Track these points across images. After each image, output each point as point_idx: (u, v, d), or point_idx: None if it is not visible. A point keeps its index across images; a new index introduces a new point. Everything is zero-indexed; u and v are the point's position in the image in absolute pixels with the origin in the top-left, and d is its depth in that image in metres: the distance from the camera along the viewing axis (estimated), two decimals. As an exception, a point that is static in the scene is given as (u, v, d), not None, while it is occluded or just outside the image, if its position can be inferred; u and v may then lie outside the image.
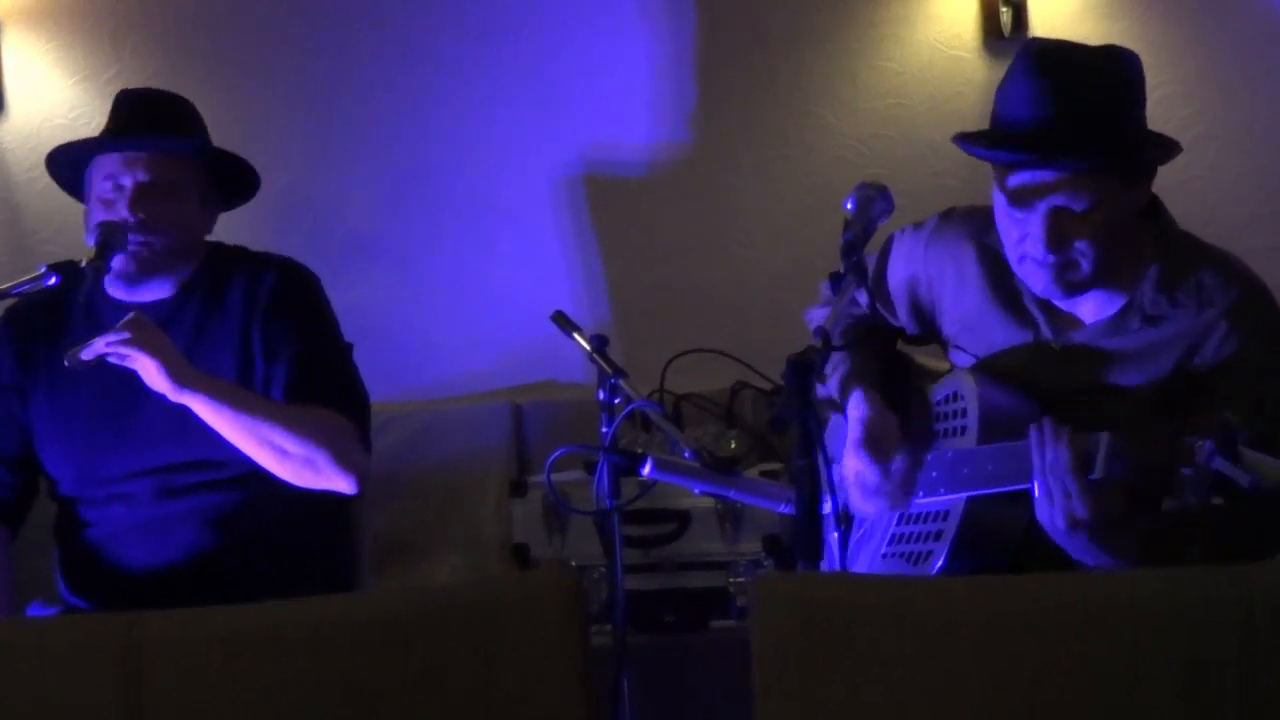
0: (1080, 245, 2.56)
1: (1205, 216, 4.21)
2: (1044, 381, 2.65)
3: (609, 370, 3.15)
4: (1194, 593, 1.99)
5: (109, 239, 2.99)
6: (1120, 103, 2.56)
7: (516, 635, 2.09)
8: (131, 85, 4.32)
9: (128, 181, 3.05)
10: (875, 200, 2.63)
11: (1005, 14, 4.29)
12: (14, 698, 2.05)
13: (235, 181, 3.23)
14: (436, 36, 4.45)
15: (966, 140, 2.66)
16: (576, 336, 3.26)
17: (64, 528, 3.15)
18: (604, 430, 3.15)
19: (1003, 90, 2.62)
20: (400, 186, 4.46)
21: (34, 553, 3.26)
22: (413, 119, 4.45)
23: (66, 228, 4.28)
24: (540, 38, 4.44)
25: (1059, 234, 2.56)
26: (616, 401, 3.15)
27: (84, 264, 2.96)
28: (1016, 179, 2.57)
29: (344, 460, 3.02)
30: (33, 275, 3.01)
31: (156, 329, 2.96)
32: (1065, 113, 2.53)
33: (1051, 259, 2.57)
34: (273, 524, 3.08)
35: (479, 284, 4.47)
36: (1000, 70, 2.75)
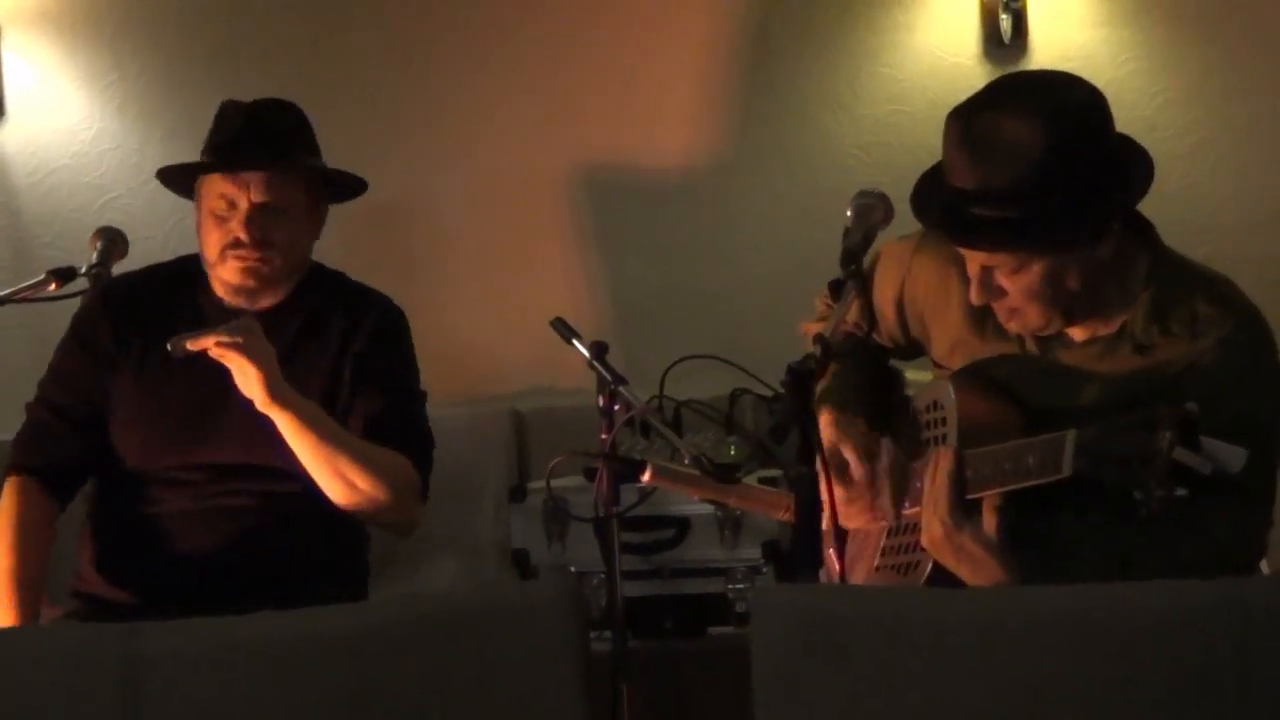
0: (1016, 300, 2.54)
1: (1204, 223, 4.22)
2: (1028, 394, 2.63)
3: (609, 377, 3.14)
4: (1190, 602, 1.99)
5: (109, 245, 3.00)
6: (1051, 173, 2.45)
7: (516, 642, 2.09)
8: (132, 88, 4.36)
9: (242, 201, 3.10)
10: (875, 207, 2.63)
11: (1005, 21, 4.29)
12: (13, 707, 2.05)
13: (344, 190, 3.33)
14: (436, 39, 4.45)
15: (914, 190, 2.65)
16: (576, 343, 3.25)
17: (106, 504, 3.17)
18: (603, 436, 3.15)
19: (943, 144, 2.57)
20: (398, 190, 4.46)
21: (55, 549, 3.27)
22: (413, 122, 4.45)
23: (67, 232, 4.28)
24: (541, 43, 4.44)
25: (989, 287, 2.55)
26: (616, 408, 3.15)
27: (83, 270, 2.97)
28: None
29: (402, 508, 3.09)
30: (34, 281, 3.02)
31: (264, 340, 3.00)
32: (983, 192, 2.47)
33: (993, 305, 2.57)
34: (306, 534, 3.12)
35: (479, 289, 4.47)
36: (1001, 77, 2.75)
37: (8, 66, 4.38)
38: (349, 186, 3.34)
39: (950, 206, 2.53)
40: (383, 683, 2.06)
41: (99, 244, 3.00)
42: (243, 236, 3.08)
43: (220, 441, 3.11)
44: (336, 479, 3.02)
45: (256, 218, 3.09)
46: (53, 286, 2.98)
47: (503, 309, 4.43)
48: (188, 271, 3.19)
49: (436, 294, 4.46)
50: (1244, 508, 2.50)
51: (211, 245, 3.13)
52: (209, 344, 2.92)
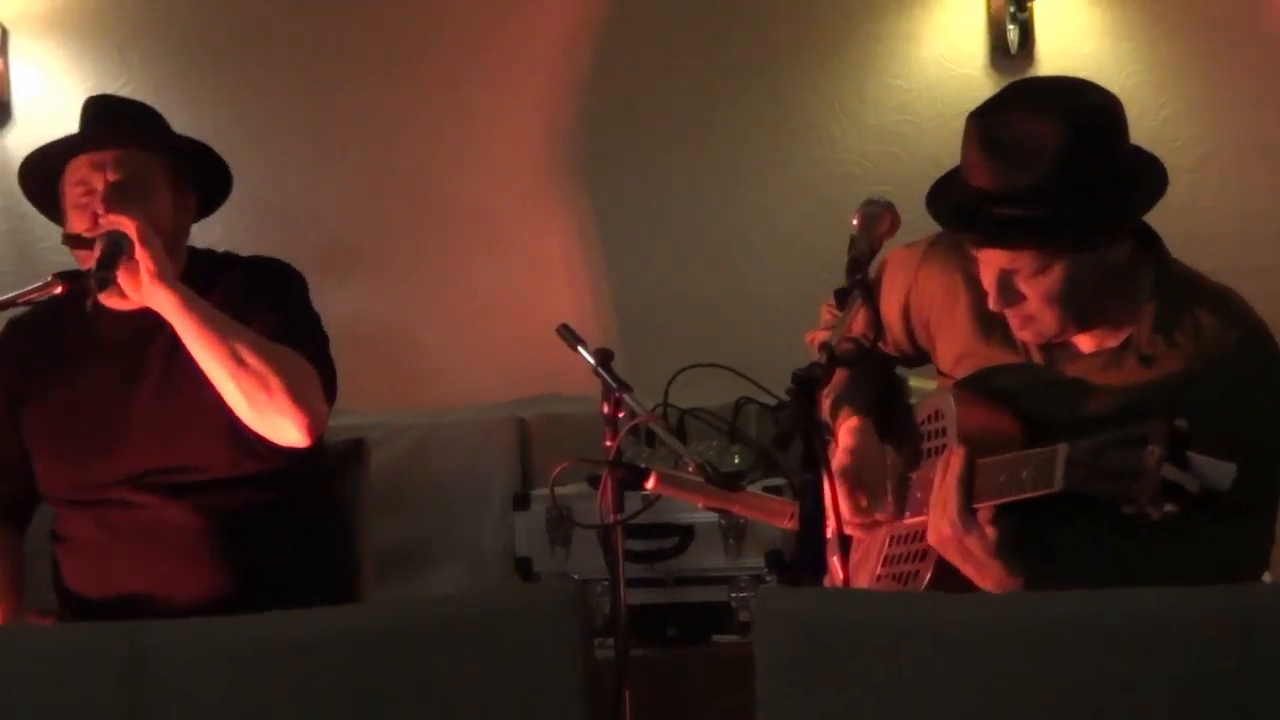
0: (1033, 305, 2.54)
1: (1210, 234, 4.22)
2: (1030, 405, 2.63)
3: (613, 384, 3.14)
4: (1194, 609, 1.98)
5: (113, 249, 2.98)
6: (1070, 173, 2.45)
7: (519, 648, 2.09)
8: (140, 95, 4.35)
9: (98, 182, 3.02)
10: (882, 216, 2.63)
11: (1012, 31, 4.30)
12: (15, 706, 2.05)
13: (208, 184, 3.21)
14: (437, 45, 4.46)
15: (930, 192, 2.65)
16: (581, 350, 3.25)
17: (58, 537, 3.15)
18: (608, 444, 3.15)
19: (962, 146, 2.58)
20: (404, 198, 4.47)
21: (31, 562, 3.25)
22: (417, 130, 4.46)
23: (72, 237, 4.29)
24: (541, 47, 4.45)
25: (1008, 292, 2.54)
26: (620, 415, 3.15)
27: (89, 273, 2.96)
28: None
29: (298, 393, 2.96)
30: (40, 284, 3.01)
31: (156, 238, 2.94)
32: (1004, 192, 2.47)
33: (1007, 312, 2.57)
34: (270, 536, 3.07)
35: (484, 296, 4.48)
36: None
37: (15, 71, 4.39)
38: (214, 184, 3.21)
39: (971, 207, 2.53)
40: (384, 685, 2.06)
41: (103, 249, 2.98)
42: (101, 210, 2.98)
43: (135, 449, 3.04)
44: (225, 355, 2.92)
45: (114, 195, 3.00)
46: (59, 289, 2.97)
47: (508, 316, 4.44)
48: (73, 291, 3.03)
49: (441, 300, 4.47)
50: (1246, 521, 2.50)
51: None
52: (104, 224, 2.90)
